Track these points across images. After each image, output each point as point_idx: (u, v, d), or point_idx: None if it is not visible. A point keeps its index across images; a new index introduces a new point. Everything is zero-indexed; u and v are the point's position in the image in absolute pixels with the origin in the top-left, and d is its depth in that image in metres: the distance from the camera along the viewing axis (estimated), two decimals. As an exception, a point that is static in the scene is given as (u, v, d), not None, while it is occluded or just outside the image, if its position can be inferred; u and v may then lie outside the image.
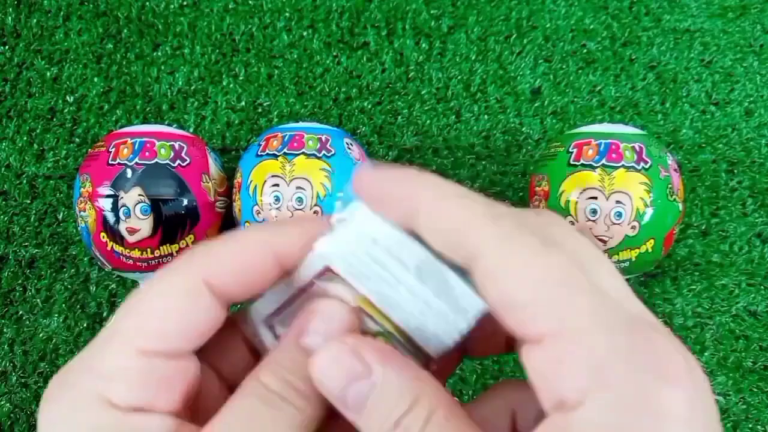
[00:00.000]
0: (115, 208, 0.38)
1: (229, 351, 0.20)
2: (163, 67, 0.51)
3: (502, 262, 0.15)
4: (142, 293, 0.17)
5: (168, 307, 0.17)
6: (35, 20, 0.51)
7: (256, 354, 0.20)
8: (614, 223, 0.37)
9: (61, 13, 0.52)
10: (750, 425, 0.45)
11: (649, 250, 0.39)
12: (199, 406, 0.19)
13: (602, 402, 0.13)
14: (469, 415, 0.17)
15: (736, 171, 0.49)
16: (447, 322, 0.18)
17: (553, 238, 0.16)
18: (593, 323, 0.14)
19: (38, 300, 0.45)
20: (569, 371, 0.14)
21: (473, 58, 0.52)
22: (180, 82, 0.50)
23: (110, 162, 0.38)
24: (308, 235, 0.19)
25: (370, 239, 0.18)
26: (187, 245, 0.40)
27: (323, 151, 0.39)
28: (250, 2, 0.52)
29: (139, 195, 0.38)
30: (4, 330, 0.45)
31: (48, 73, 0.50)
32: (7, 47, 0.51)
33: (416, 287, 0.18)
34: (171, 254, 0.39)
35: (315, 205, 0.38)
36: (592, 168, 0.38)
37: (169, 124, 0.47)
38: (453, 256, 0.17)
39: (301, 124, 0.41)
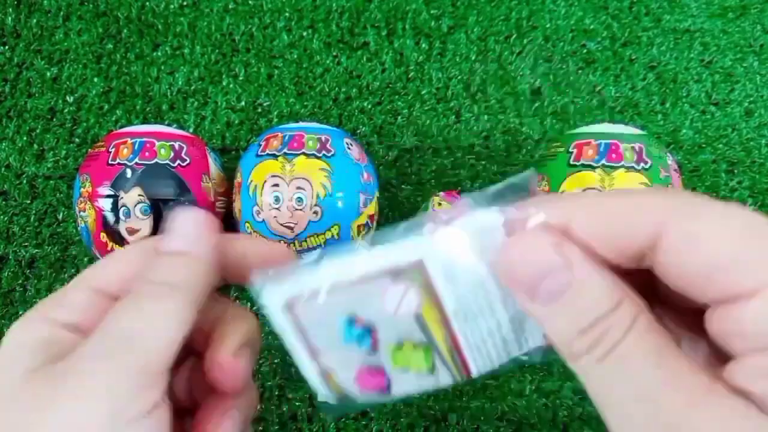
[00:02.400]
0: (115, 208, 0.38)
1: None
2: (163, 67, 0.51)
3: (699, 226, 0.15)
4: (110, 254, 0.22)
5: (117, 259, 0.21)
6: (35, 20, 0.51)
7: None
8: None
9: (61, 13, 0.52)
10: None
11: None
12: None
13: None
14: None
15: (736, 171, 0.49)
16: (505, 346, 0.19)
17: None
18: None
19: (38, 300, 0.45)
20: None
21: (473, 58, 0.52)
22: (180, 82, 0.50)
23: (110, 162, 0.38)
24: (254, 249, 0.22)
25: (474, 252, 0.18)
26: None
27: (323, 151, 0.39)
28: (250, 2, 0.52)
29: (139, 195, 0.38)
30: (4, 330, 0.45)
31: (48, 73, 0.50)
32: (7, 47, 0.51)
33: (497, 306, 0.18)
34: (171, 254, 0.39)
35: (315, 205, 0.38)
36: (592, 168, 0.38)
37: (169, 124, 0.47)
38: (627, 242, 0.16)
39: (301, 124, 0.41)
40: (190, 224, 0.21)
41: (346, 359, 0.19)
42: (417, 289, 0.18)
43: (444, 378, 0.20)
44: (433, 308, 0.18)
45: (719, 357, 0.16)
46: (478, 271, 0.17)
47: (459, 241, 0.17)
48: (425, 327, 0.18)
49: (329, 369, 0.20)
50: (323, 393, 0.21)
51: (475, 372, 0.19)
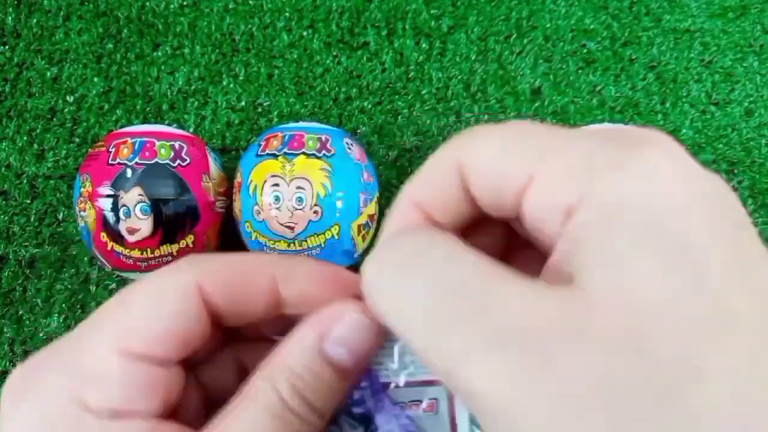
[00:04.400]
0: (115, 208, 0.38)
1: (217, 366, 0.19)
2: (163, 67, 0.51)
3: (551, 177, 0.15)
4: (133, 291, 0.16)
5: (157, 308, 0.16)
6: (35, 20, 0.51)
7: (243, 374, 0.19)
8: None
9: (61, 13, 0.52)
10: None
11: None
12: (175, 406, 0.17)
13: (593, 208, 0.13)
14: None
15: (736, 171, 0.49)
16: None
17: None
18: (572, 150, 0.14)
19: (38, 300, 0.45)
20: (565, 183, 0.14)
21: (473, 58, 0.52)
22: (180, 82, 0.50)
23: (110, 162, 0.38)
24: (313, 276, 0.18)
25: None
26: (187, 245, 0.40)
27: (323, 151, 0.39)
28: (250, 2, 0.52)
29: (139, 195, 0.38)
30: (4, 330, 0.45)
31: (48, 73, 0.50)
32: (7, 47, 0.51)
33: None
34: (171, 254, 0.39)
35: (315, 204, 0.38)
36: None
37: (169, 124, 0.47)
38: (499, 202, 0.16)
39: (301, 124, 0.41)
40: (361, 335, 0.16)
41: None
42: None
43: None
44: None
45: None
46: None
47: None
48: None
49: None
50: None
51: None
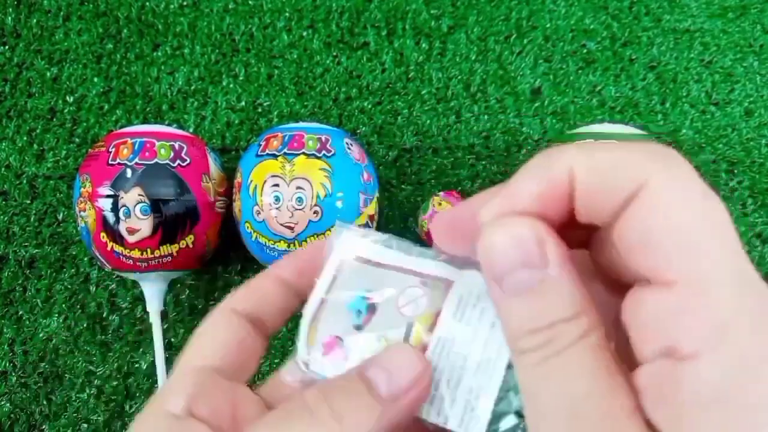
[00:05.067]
0: (115, 208, 0.38)
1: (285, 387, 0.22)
2: (163, 67, 0.51)
3: (668, 197, 0.14)
4: (198, 330, 0.22)
5: (205, 332, 0.22)
6: (35, 20, 0.51)
7: None
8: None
9: (61, 13, 0.52)
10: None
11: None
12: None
13: (720, 359, 0.13)
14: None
15: (736, 171, 0.49)
16: (451, 405, 0.19)
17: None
18: (730, 279, 0.14)
19: (38, 300, 0.45)
20: (692, 321, 0.13)
21: (473, 58, 0.52)
22: (180, 82, 0.50)
23: (110, 162, 0.38)
24: (309, 258, 0.22)
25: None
26: (187, 245, 0.40)
27: (323, 151, 0.39)
28: (250, 2, 0.52)
29: (139, 195, 0.38)
30: (4, 330, 0.45)
31: (48, 73, 0.50)
32: (7, 47, 0.51)
33: (470, 363, 0.19)
34: (171, 254, 0.39)
35: (315, 205, 0.38)
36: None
37: (169, 124, 0.47)
38: (606, 196, 0.15)
39: (301, 124, 0.41)
40: (410, 371, 0.18)
41: (335, 320, 0.20)
42: (430, 299, 0.19)
43: None
44: (426, 325, 0.19)
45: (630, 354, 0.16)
46: (482, 321, 0.19)
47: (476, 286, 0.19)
48: (409, 335, 0.19)
49: (319, 319, 0.21)
50: (300, 346, 0.21)
51: None
